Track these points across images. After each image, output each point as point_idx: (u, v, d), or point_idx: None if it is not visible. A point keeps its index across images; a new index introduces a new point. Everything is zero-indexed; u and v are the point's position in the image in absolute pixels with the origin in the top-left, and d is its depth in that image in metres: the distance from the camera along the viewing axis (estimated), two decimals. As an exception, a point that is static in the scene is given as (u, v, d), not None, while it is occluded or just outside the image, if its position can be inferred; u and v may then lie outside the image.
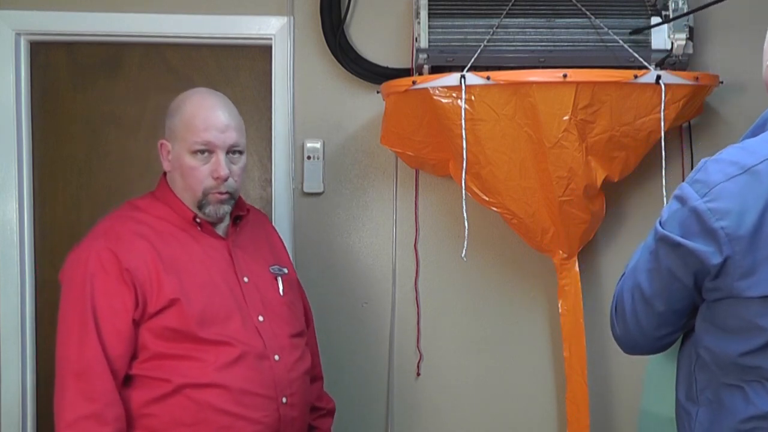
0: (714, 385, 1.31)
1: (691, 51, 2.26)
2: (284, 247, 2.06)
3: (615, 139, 2.18)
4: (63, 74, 2.55)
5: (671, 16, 2.22)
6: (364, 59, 2.49)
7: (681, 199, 1.27)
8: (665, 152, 2.18)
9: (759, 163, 1.22)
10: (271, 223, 2.28)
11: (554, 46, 2.25)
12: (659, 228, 1.30)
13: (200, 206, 1.77)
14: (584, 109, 2.11)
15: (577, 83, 2.08)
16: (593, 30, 2.25)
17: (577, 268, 2.34)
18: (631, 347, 1.43)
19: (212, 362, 1.67)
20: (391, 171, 2.54)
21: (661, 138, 2.18)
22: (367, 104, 2.50)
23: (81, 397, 1.61)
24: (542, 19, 2.25)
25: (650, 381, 1.66)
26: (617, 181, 2.30)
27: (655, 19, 2.24)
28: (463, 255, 2.17)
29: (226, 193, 1.77)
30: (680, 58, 2.26)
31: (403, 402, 2.55)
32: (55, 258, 2.50)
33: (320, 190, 2.52)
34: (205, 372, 1.66)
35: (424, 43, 2.23)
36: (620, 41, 2.21)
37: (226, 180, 1.76)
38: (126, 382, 1.67)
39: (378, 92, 2.32)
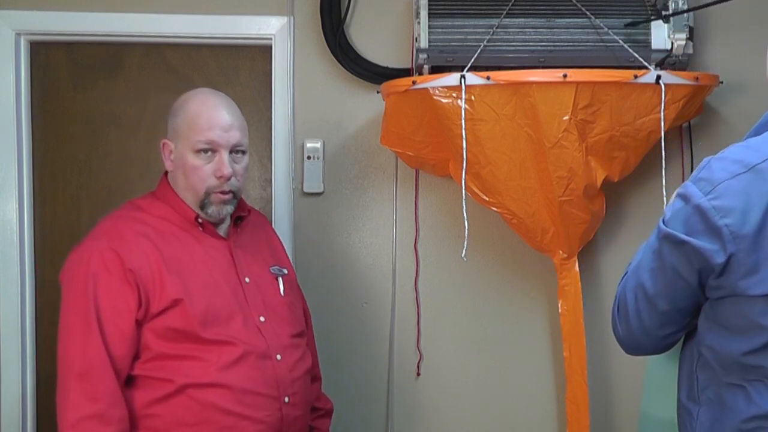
0: (715, 385, 1.31)
1: (691, 51, 2.26)
2: (284, 249, 2.06)
3: (615, 139, 2.18)
4: (63, 74, 2.55)
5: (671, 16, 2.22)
6: (364, 59, 2.49)
7: (684, 197, 1.27)
8: (665, 152, 2.18)
9: (763, 161, 1.22)
10: (271, 225, 2.28)
11: (554, 46, 2.25)
12: (663, 226, 1.29)
13: (202, 206, 1.77)
14: (584, 109, 2.11)
15: (577, 83, 2.08)
16: (593, 30, 2.25)
17: (577, 268, 2.34)
18: (634, 347, 1.43)
19: (215, 362, 1.67)
20: (391, 171, 2.54)
21: (661, 138, 2.18)
22: (367, 104, 2.50)
23: (84, 398, 1.60)
24: (542, 19, 2.25)
25: (650, 383, 1.66)
26: (617, 181, 2.30)
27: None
28: (463, 255, 2.17)
29: (229, 192, 1.78)
30: (680, 58, 2.26)
31: (403, 402, 2.55)
32: (55, 258, 2.50)
33: (320, 190, 2.52)
34: (207, 372, 1.66)
35: (424, 43, 2.23)
36: (620, 41, 2.21)
37: (229, 179, 1.76)
38: (128, 382, 1.67)
39: (378, 92, 2.32)
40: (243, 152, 1.81)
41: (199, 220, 1.79)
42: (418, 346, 2.54)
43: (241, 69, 2.57)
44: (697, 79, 2.18)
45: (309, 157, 2.50)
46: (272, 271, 1.90)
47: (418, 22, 2.24)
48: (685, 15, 2.23)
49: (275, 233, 2.09)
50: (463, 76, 2.09)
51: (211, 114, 1.76)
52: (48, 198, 2.56)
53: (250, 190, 2.58)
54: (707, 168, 1.27)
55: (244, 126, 1.82)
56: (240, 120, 1.81)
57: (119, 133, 2.56)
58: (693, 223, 1.24)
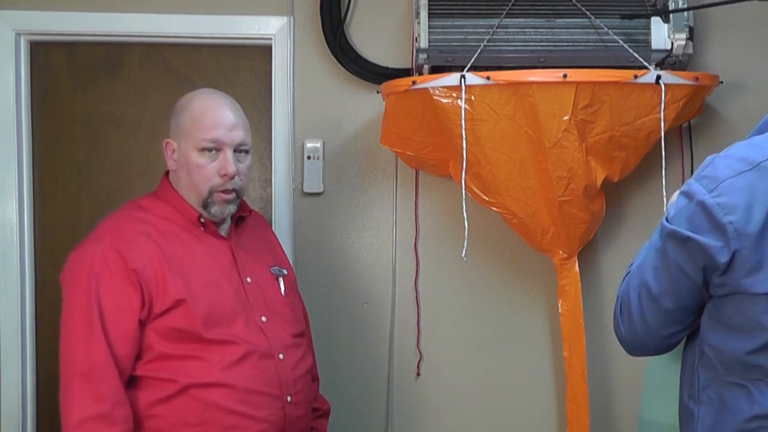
0: (716, 384, 1.31)
1: (691, 51, 2.26)
2: (283, 250, 2.07)
3: (615, 139, 2.18)
4: (63, 74, 2.55)
5: (670, 16, 2.22)
6: (364, 59, 2.49)
7: (688, 195, 1.27)
8: (665, 152, 2.18)
9: (767, 159, 1.23)
10: (271, 226, 2.28)
11: (554, 46, 2.25)
12: (666, 224, 1.29)
13: (205, 205, 1.78)
14: (584, 109, 2.11)
15: (577, 83, 2.08)
16: (593, 30, 2.25)
17: (577, 268, 2.34)
18: (637, 348, 1.42)
19: (218, 362, 1.67)
20: (391, 171, 2.54)
21: (661, 138, 2.18)
22: (367, 104, 2.50)
23: (88, 398, 1.60)
24: (542, 19, 2.25)
25: (650, 388, 1.65)
26: (617, 181, 2.30)
27: (655, 19, 2.24)
28: (463, 255, 2.17)
29: (233, 191, 1.78)
30: (680, 58, 2.26)
31: (403, 402, 2.55)
32: (55, 258, 2.50)
33: (320, 190, 2.52)
34: (210, 372, 1.66)
35: (424, 43, 2.23)
36: (620, 41, 2.21)
37: (232, 178, 1.76)
38: (131, 383, 1.67)
39: (378, 92, 2.32)
40: (246, 152, 1.81)
41: (202, 220, 1.79)
42: (418, 346, 2.54)
43: (241, 69, 2.57)
44: (697, 79, 2.18)
45: (309, 157, 2.50)
46: (273, 271, 1.90)
47: (418, 22, 2.24)
48: (685, 15, 2.23)
49: (275, 235, 2.10)
50: (463, 76, 2.09)
51: (216, 113, 1.77)
52: (48, 198, 2.56)
53: (250, 190, 2.57)
54: (711, 166, 1.27)
55: (248, 126, 1.83)
56: (243, 120, 1.82)
57: (119, 133, 2.56)
58: (697, 220, 1.24)
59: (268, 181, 2.57)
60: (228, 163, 1.75)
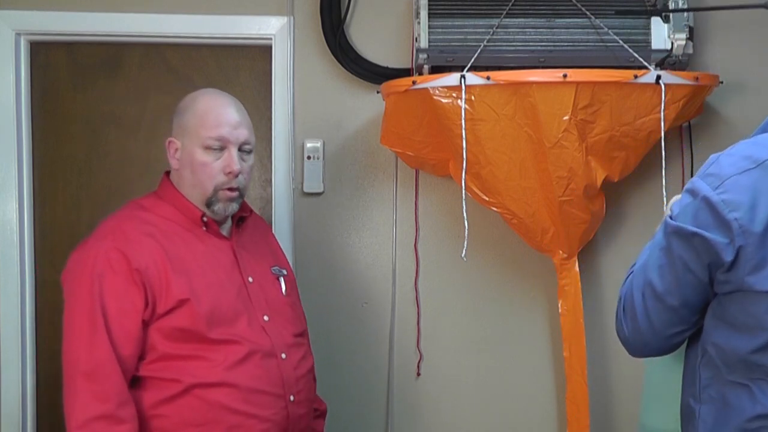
0: (718, 383, 1.31)
1: (691, 51, 2.26)
2: (282, 252, 2.07)
3: (615, 139, 2.18)
4: (63, 74, 2.55)
5: (670, 16, 2.22)
6: (364, 59, 2.49)
7: (693, 192, 1.27)
8: (665, 152, 2.18)
9: None
10: (270, 228, 2.28)
11: (554, 46, 2.25)
12: (671, 222, 1.29)
13: (209, 203, 1.78)
14: (584, 109, 2.11)
15: (577, 83, 2.08)
16: (593, 30, 2.25)
17: (577, 268, 2.34)
18: (640, 348, 1.41)
19: (221, 361, 1.68)
20: (391, 171, 2.54)
21: (661, 138, 2.18)
22: (367, 104, 2.50)
23: (92, 398, 1.60)
24: (542, 19, 2.25)
25: (649, 393, 1.65)
26: (617, 181, 2.30)
27: (655, 19, 2.24)
28: (463, 255, 2.17)
29: (236, 189, 1.79)
30: (680, 58, 2.26)
31: (403, 402, 2.55)
32: (55, 258, 2.50)
33: (320, 190, 2.52)
34: (214, 371, 1.67)
35: (424, 43, 2.23)
36: (620, 41, 2.21)
37: (237, 176, 1.77)
38: (134, 383, 1.67)
39: (378, 92, 2.32)
40: (249, 151, 1.82)
41: (204, 219, 1.79)
42: (418, 346, 2.54)
43: (241, 69, 2.57)
44: (697, 79, 2.18)
45: (309, 157, 2.50)
46: (273, 271, 1.90)
47: (418, 22, 2.24)
48: (685, 14, 2.23)
49: (274, 237, 2.11)
50: (463, 76, 2.09)
51: (221, 111, 1.78)
52: (48, 198, 2.56)
53: (250, 190, 2.57)
54: (716, 164, 1.27)
55: (251, 126, 1.84)
56: (247, 119, 1.83)
57: (119, 133, 2.56)
58: (702, 217, 1.24)
59: (268, 181, 2.57)
60: (233, 161, 1.76)
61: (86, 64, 2.55)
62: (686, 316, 1.33)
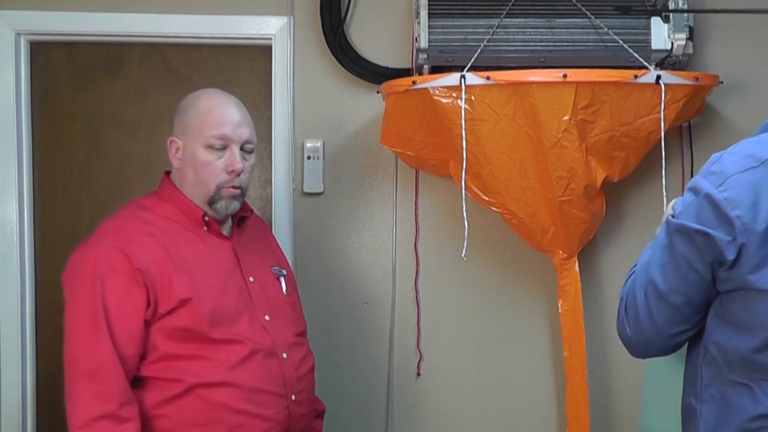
0: (719, 383, 1.31)
1: (691, 51, 2.26)
2: (282, 252, 2.07)
3: (615, 139, 2.18)
4: (63, 74, 2.55)
5: (670, 16, 2.22)
6: (364, 59, 2.49)
7: (695, 190, 1.27)
8: (665, 152, 2.18)
9: None
10: (270, 228, 2.28)
11: (554, 46, 2.25)
12: (673, 220, 1.29)
13: (211, 202, 1.78)
14: (584, 109, 2.11)
15: (577, 83, 2.08)
16: (593, 30, 2.25)
17: (577, 268, 2.34)
18: (643, 348, 1.41)
19: (223, 361, 1.68)
20: (391, 171, 2.54)
21: (661, 138, 2.18)
22: (367, 104, 2.50)
23: (94, 398, 1.60)
24: (542, 19, 2.25)
25: (649, 394, 1.65)
26: (617, 181, 2.30)
27: (655, 19, 2.24)
28: (463, 255, 2.17)
29: (239, 187, 1.79)
30: (680, 58, 2.26)
31: (403, 402, 2.55)
32: (55, 258, 2.50)
33: (320, 190, 2.52)
34: (216, 371, 1.67)
35: (424, 43, 2.23)
36: (620, 41, 2.21)
37: (239, 174, 1.77)
38: (136, 384, 1.67)
39: (378, 92, 2.32)
40: (251, 150, 1.83)
41: (206, 218, 1.79)
42: (418, 346, 2.54)
43: (241, 69, 2.57)
44: (697, 79, 2.18)
45: (309, 157, 2.50)
46: (274, 271, 1.91)
47: (418, 22, 2.24)
48: (685, 14, 2.23)
49: (274, 238, 2.11)
50: (463, 76, 2.09)
51: (223, 110, 1.79)
52: (48, 198, 2.56)
53: (250, 190, 2.57)
54: (718, 162, 1.27)
55: (252, 125, 1.85)
56: (249, 119, 1.84)
57: (119, 133, 2.56)
58: (705, 214, 1.25)
59: (268, 181, 2.57)
60: (235, 159, 1.77)
61: (86, 64, 2.55)
62: (689, 314, 1.33)
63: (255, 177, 2.58)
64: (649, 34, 2.24)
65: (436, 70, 2.26)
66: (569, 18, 2.25)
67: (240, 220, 1.89)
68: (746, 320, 1.25)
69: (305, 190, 2.51)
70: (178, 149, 1.80)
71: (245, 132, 1.79)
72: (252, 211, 1.97)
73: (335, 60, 2.48)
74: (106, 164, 2.56)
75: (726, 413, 1.29)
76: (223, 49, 2.56)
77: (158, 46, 2.55)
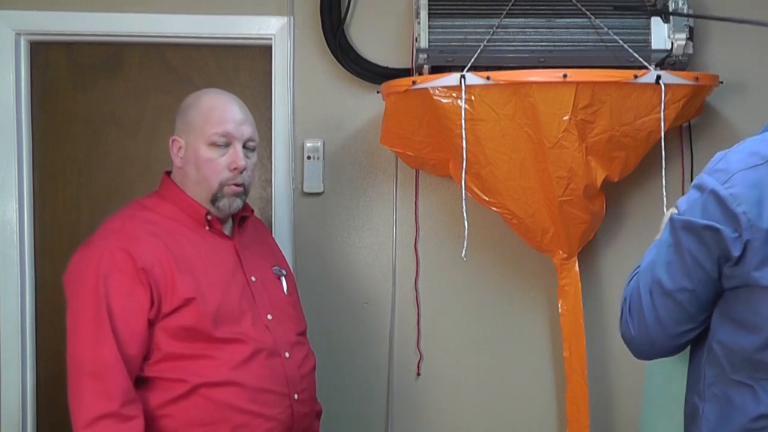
0: (722, 382, 1.31)
1: (691, 51, 2.26)
2: (281, 253, 2.08)
3: (615, 139, 2.18)
4: (63, 74, 2.55)
5: (670, 16, 2.23)
6: (364, 59, 2.49)
7: (700, 188, 1.28)
8: (665, 152, 2.18)
9: None
10: (270, 230, 2.28)
11: (554, 46, 2.25)
12: (679, 217, 1.29)
13: (214, 199, 1.78)
14: (584, 109, 2.11)
15: (577, 83, 2.08)
16: (593, 30, 2.25)
17: (577, 268, 2.34)
18: (647, 348, 1.40)
19: (227, 360, 1.68)
20: (391, 171, 2.54)
21: (661, 138, 2.18)
22: (367, 104, 2.50)
23: (97, 397, 1.60)
24: (542, 19, 2.25)
25: (649, 395, 1.65)
26: (617, 181, 2.30)
27: (655, 19, 2.24)
28: (463, 255, 2.17)
29: (241, 185, 1.80)
30: (680, 58, 2.26)
31: (403, 402, 2.55)
32: (55, 258, 2.50)
33: (320, 190, 2.52)
34: (220, 371, 1.67)
35: (424, 43, 2.23)
36: (620, 41, 2.21)
37: (242, 171, 1.78)
38: (140, 384, 1.67)
39: (378, 92, 2.32)
40: (253, 149, 1.84)
41: (208, 217, 1.79)
42: (418, 346, 2.54)
43: (241, 69, 2.57)
44: (697, 79, 2.18)
45: (309, 157, 2.50)
46: (274, 271, 1.91)
47: (418, 22, 2.24)
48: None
49: (273, 238, 2.12)
50: (463, 76, 2.09)
51: (225, 108, 1.80)
52: (48, 198, 2.56)
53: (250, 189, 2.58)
54: (723, 160, 1.28)
55: (254, 124, 1.86)
56: (250, 117, 1.85)
57: (119, 133, 2.56)
58: (711, 210, 1.25)
59: (268, 181, 2.57)
60: (238, 157, 1.77)
61: (86, 64, 2.55)
62: (695, 313, 1.33)
63: (255, 177, 2.57)
64: (649, 34, 2.25)
65: (436, 70, 2.26)
66: (569, 18, 2.25)
67: (241, 220, 1.89)
68: (750, 318, 1.26)
69: (305, 190, 2.51)
70: (180, 148, 1.80)
71: (248, 130, 1.80)
72: (252, 211, 1.97)
73: (335, 60, 2.48)
74: (106, 164, 2.56)
75: (728, 413, 1.29)
76: (223, 49, 2.56)
77: (158, 46, 2.55)
